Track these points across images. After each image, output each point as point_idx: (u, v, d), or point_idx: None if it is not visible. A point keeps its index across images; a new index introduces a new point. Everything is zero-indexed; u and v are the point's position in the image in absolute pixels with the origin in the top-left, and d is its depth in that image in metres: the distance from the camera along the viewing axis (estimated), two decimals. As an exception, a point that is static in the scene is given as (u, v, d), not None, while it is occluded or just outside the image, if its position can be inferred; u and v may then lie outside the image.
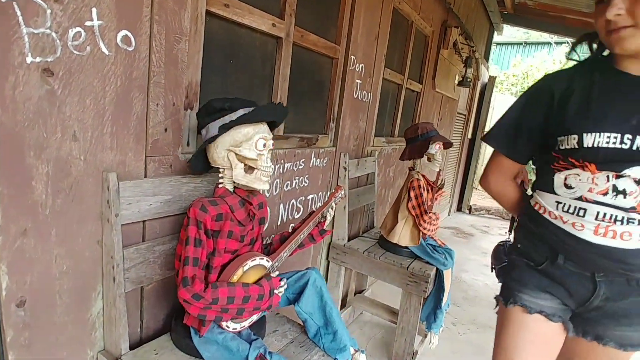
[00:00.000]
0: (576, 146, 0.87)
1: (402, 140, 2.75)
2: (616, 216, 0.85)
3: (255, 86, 1.45)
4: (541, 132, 0.96)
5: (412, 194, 1.86)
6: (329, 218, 1.28)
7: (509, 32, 7.03)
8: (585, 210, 0.88)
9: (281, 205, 1.62)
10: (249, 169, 1.01)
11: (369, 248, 2.03)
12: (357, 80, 1.98)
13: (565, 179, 0.91)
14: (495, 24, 5.07)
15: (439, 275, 1.89)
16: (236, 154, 0.98)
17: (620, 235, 0.85)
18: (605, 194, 0.85)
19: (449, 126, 4.00)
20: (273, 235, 1.28)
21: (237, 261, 1.02)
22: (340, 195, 1.32)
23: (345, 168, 1.99)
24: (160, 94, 1.02)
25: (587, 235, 0.88)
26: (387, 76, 2.36)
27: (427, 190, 1.92)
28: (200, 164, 1.05)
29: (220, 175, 1.02)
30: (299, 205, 1.75)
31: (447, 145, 1.98)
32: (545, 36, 8.01)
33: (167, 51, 1.01)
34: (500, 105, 7.25)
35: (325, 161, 1.87)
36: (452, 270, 2.02)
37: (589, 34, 0.95)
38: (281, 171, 1.56)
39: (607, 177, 0.84)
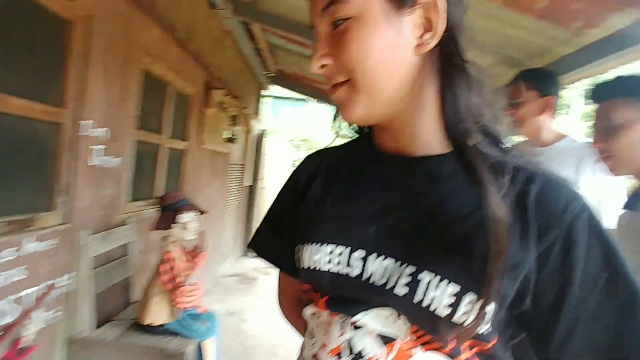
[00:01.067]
0: (299, 264, 0.55)
1: (166, 201, 2.63)
2: None
3: None
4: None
5: (162, 268, 1.75)
6: (29, 332, 1.03)
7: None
8: None
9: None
10: None
11: (123, 333, 1.78)
12: (96, 146, 1.77)
13: (311, 318, 0.56)
14: (262, 83, 5.70)
15: (200, 347, 1.83)
16: None
17: None
18: (339, 355, 0.49)
19: (222, 178, 4.13)
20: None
21: None
22: (54, 294, 1.09)
23: (84, 246, 1.70)
24: None
25: None
26: (142, 137, 2.23)
27: (184, 260, 1.86)
28: None
29: None
30: (10, 305, 1.35)
31: (203, 211, 1.99)
32: (307, 95, 9.68)
33: None
34: (275, 151, 8.12)
35: (54, 243, 1.55)
36: (218, 335, 2.00)
37: None
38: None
39: (342, 325, 0.50)
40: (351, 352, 0.48)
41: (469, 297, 0.42)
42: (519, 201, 0.44)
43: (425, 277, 0.44)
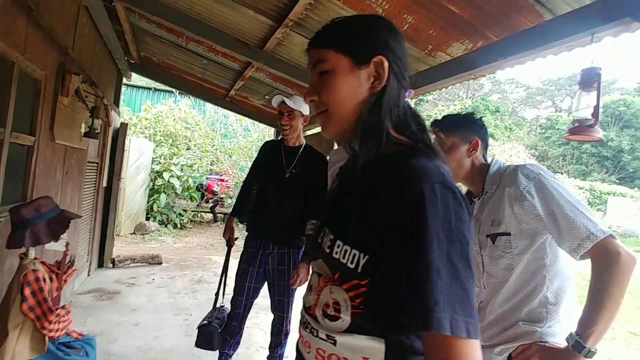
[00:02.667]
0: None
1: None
2: (305, 319, 0.74)
3: None
4: None
5: (27, 291, 1.43)
6: None
7: (138, 76, 7.24)
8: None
9: None
10: None
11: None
12: None
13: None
14: (123, 70, 5.04)
15: (79, 378, 1.57)
16: None
17: (304, 344, 0.73)
18: (308, 289, 0.78)
19: (78, 178, 3.51)
20: None
21: None
22: None
23: None
24: None
25: (300, 345, 0.77)
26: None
27: (51, 279, 1.55)
28: None
29: None
30: None
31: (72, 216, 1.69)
32: (171, 87, 8.87)
33: None
34: (135, 147, 7.26)
35: None
36: (96, 361, 1.73)
37: None
38: None
39: (312, 270, 0.79)
40: (310, 284, 0.78)
41: (338, 243, 0.67)
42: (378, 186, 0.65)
43: (325, 230, 0.72)
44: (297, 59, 3.32)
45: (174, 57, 4.56)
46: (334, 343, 0.66)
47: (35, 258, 1.53)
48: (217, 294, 2.55)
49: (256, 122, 10.13)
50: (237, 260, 2.42)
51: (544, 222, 1.07)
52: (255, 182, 2.49)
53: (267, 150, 2.50)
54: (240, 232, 7.20)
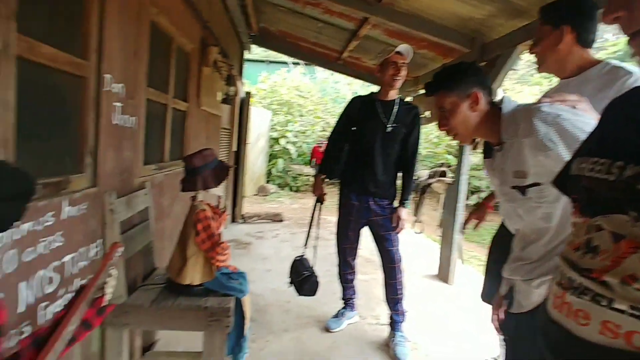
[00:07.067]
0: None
1: (175, 164, 2.52)
2: (577, 282, 0.59)
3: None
4: None
5: (199, 227, 1.71)
6: (109, 290, 0.98)
7: (254, 51, 7.74)
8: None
9: (23, 284, 1.14)
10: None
11: (157, 298, 1.74)
12: (116, 103, 1.64)
13: (572, 227, 0.69)
14: (244, 43, 5.44)
15: (238, 303, 1.84)
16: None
17: (575, 313, 0.57)
18: (578, 248, 0.61)
19: (216, 142, 4.00)
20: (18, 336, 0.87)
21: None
22: (118, 254, 1.04)
23: (112, 210, 1.62)
24: None
25: (549, 303, 0.65)
26: (152, 96, 2.08)
27: (214, 219, 1.81)
28: None
29: None
30: (52, 274, 1.29)
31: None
32: (284, 56, 9.27)
33: None
34: (255, 116, 7.91)
35: (84, 207, 1.46)
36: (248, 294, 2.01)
37: None
38: (15, 237, 1.09)
39: (587, 228, 0.61)
40: (588, 246, 0.58)
41: None
42: None
43: None
44: (417, 8, 3.12)
45: (290, 24, 4.72)
46: None
47: (201, 201, 1.81)
48: (306, 244, 2.67)
49: (365, 85, 10.07)
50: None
51: None
52: (345, 140, 2.51)
53: (360, 106, 2.47)
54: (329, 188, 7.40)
